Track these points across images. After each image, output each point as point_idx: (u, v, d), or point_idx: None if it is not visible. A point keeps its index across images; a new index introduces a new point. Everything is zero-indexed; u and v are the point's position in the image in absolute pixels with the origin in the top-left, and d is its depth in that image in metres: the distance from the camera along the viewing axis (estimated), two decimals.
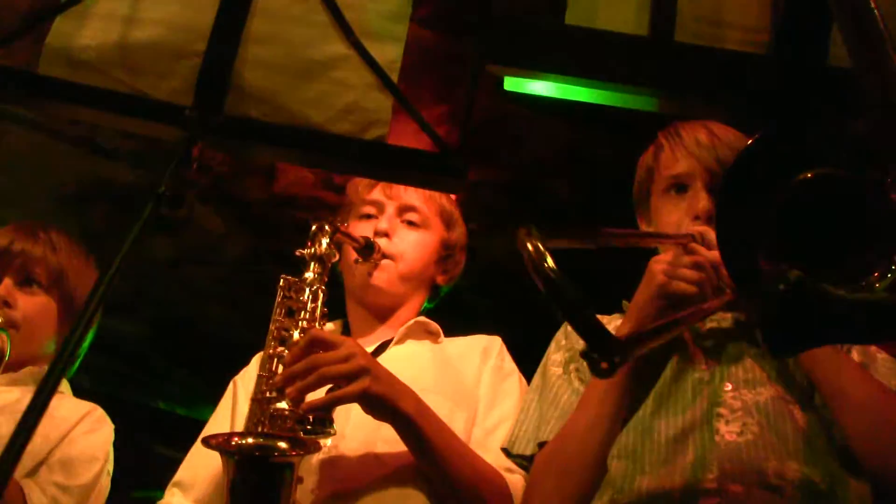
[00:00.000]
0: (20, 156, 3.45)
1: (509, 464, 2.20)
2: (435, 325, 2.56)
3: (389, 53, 1.68)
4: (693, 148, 2.21)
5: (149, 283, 4.60)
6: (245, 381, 2.47)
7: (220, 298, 4.51)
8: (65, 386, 2.59)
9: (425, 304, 2.66)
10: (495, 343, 2.52)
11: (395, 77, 1.64)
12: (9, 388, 2.47)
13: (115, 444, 2.55)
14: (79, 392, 2.68)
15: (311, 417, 2.02)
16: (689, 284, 1.96)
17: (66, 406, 2.50)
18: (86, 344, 2.74)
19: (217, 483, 2.29)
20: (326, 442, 2.12)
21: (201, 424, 2.43)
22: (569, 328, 2.31)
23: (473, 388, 2.38)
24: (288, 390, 2.01)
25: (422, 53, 3.38)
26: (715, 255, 1.94)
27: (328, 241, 2.32)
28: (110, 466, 2.49)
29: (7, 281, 2.53)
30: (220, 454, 1.90)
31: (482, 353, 2.47)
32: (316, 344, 2.06)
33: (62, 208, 4.20)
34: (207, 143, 1.54)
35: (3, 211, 3.50)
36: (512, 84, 2.66)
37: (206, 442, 1.90)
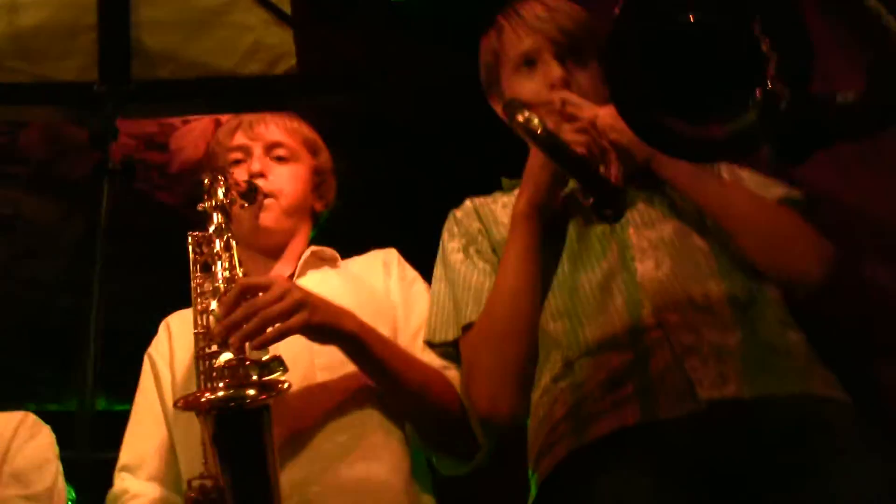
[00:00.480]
0: None
1: (443, 362, 2.26)
2: (330, 251, 2.58)
3: None
4: (535, 23, 2.31)
5: None
6: (160, 351, 2.45)
7: (66, 287, 4.37)
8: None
9: (311, 234, 2.68)
10: (392, 255, 2.57)
11: (287, 8, 1.65)
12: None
13: None
14: None
15: (260, 361, 2.00)
16: (579, 146, 2.07)
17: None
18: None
19: (165, 454, 2.29)
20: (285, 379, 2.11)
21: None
22: (457, 215, 2.38)
23: (387, 302, 2.43)
24: (231, 339, 1.98)
25: None
26: (591, 114, 2.07)
27: (224, 189, 2.31)
28: (60, 465, 2.46)
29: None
30: (196, 414, 1.88)
31: (383, 266, 2.52)
32: (247, 290, 2.05)
33: None
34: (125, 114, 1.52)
35: None
36: None
37: (177, 404, 1.89)
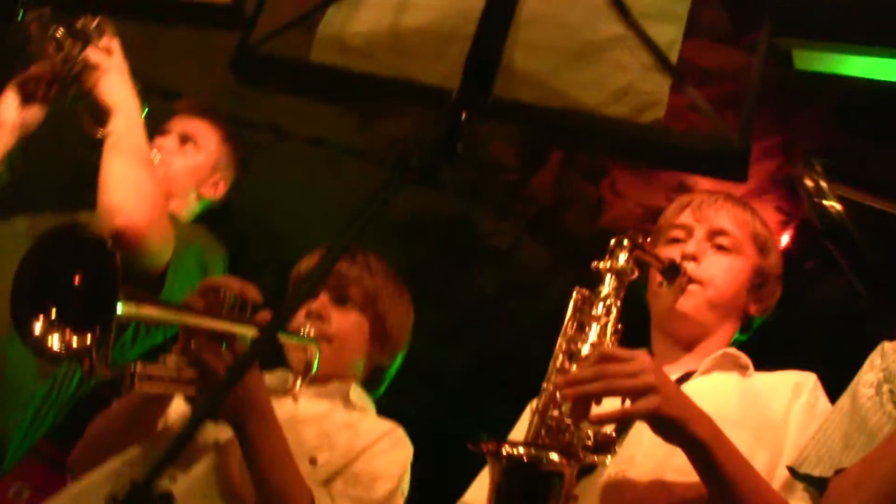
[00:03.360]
0: (351, 188, 3.59)
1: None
2: (745, 358, 2.39)
3: (669, 34, 1.58)
4: None
5: (474, 315, 4.67)
6: None
7: (543, 333, 4.47)
8: (368, 404, 2.64)
9: (736, 336, 2.49)
10: (809, 379, 2.30)
11: (673, 58, 1.52)
12: (317, 399, 2.54)
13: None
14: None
15: (592, 435, 1.96)
16: None
17: (369, 422, 2.53)
18: (393, 367, 2.80)
19: None
20: (606, 461, 2.00)
21: None
22: (886, 347, 2.10)
23: (781, 425, 2.20)
24: (567, 392, 1.94)
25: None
26: None
27: (627, 255, 2.24)
28: (405, 487, 2.48)
29: (323, 297, 2.61)
30: (488, 458, 1.86)
31: (794, 388, 2.27)
32: (605, 359, 1.97)
33: (393, 237, 4.35)
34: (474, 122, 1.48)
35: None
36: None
37: (476, 444, 1.86)
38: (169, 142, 3.30)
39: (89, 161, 2.83)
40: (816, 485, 1.97)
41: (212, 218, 3.41)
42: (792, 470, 2.04)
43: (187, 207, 3.34)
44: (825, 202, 1.17)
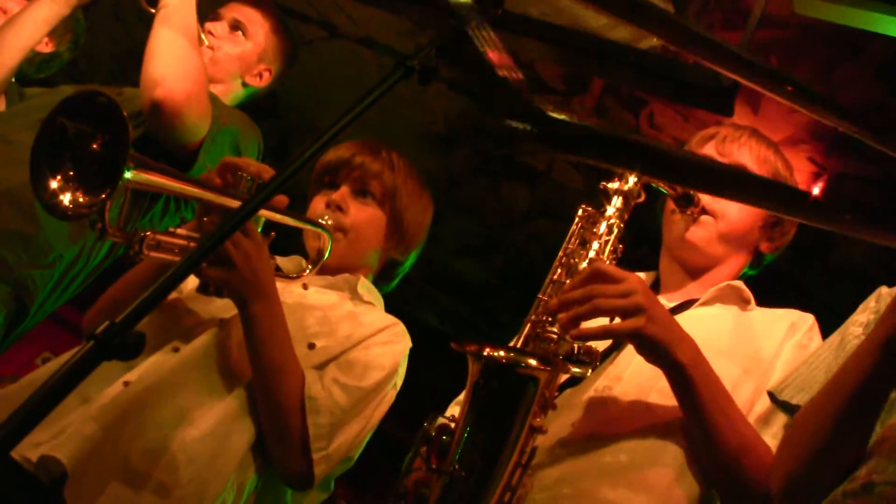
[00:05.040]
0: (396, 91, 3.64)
1: (775, 429, 2.05)
2: (748, 292, 2.41)
3: None
4: None
5: (502, 230, 4.72)
6: None
7: None
8: (376, 299, 2.67)
9: (745, 270, 2.52)
10: (806, 320, 2.32)
11: None
12: (325, 290, 2.58)
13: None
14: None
15: (577, 348, 2.00)
16: None
17: (373, 315, 2.56)
18: (407, 264, 2.87)
19: None
20: (587, 373, 2.05)
21: None
22: (882, 292, 2.07)
23: (770, 360, 2.22)
24: (559, 315, 1.99)
25: None
26: None
27: (636, 178, 2.27)
28: (399, 380, 2.51)
29: (344, 188, 2.66)
30: (469, 358, 1.90)
31: (790, 327, 2.29)
32: (597, 276, 2.02)
33: (426, 146, 4.40)
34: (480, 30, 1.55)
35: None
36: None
37: (459, 344, 1.91)
38: (219, 27, 3.36)
39: (143, 38, 2.92)
40: (792, 412, 1.98)
41: (255, 109, 3.47)
42: (771, 395, 2.06)
43: (231, 93, 3.40)
44: None
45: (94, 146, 2.04)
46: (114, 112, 1.99)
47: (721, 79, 1.48)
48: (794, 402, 1.99)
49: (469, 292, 5.32)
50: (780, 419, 2.07)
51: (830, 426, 1.78)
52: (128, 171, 1.96)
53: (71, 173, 2.02)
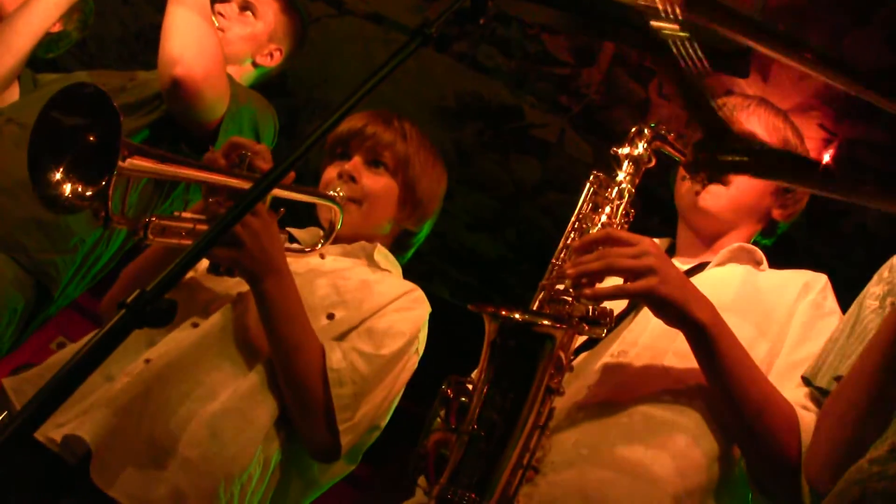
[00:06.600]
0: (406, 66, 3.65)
1: (806, 401, 2.04)
2: (760, 253, 2.42)
3: None
4: None
5: (513, 203, 4.73)
6: None
7: None
8: (393, 266, 2.69)
9: (759, 238, 2.54)
10: (820, 279, 2.34)
11: None
12: (343, 257, 2.60)
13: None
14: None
15: (591, 309, 1.98)
16: None
17: (390, 282, 2.57)
18: (421, 234, 2.89)
19: None
20: (602, 334, 2.05)
21: None
22: (895, 262, 2.09)
23: (784, 319, 2.23)
24: (570, 271, 2.00)
25: None
26: None
27: (646, 144, 2.29)
28: (420, 346, 2.52)
29: (357, 159, 2.66)
30: (487, 319, 1.91)
31: (803, 286, 2.30)
32: (609, 239, 2.04)
33: (436, 121, 4.41)
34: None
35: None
36: None
37: (477, 306, 1.90)
38: (229, 8, 3.37)
39: (154, 22, 2.93)
40: (825, 396, 1.99)
41: (265, 87, 3.48)
42: (806, 380, 2.07)
43: (242, 74, 3.41)
44: None
45: (89, 137, 2.05)
46: (103, 101, 2.00)
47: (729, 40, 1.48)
48: (823, 386, 2.01)
49: (482, 266, 5.33)
50: (796, 378, 2.09)
51: (866, 396, 1.80)
52: (123, 159, 1.97)
53: (68, 166, 2.03)
